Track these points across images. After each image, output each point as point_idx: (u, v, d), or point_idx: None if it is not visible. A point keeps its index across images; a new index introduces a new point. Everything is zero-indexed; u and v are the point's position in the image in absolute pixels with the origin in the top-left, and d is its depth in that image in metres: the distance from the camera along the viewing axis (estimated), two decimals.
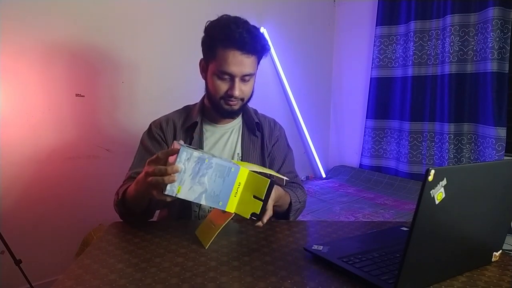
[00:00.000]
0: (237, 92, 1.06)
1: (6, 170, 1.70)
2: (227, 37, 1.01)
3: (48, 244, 1.85)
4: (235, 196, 0.83)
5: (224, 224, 0.82)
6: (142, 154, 1.13)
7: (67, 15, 1.81)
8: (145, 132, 1.19)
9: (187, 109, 1.22)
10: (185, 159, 0.76)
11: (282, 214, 1.12)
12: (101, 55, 1.94)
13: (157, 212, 1.22)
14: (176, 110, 1.23)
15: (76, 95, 1.87)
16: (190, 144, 1.13)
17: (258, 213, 0.82)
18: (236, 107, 1.11)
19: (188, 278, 0.69)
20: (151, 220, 1.08)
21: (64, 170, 1.86)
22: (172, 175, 0.76)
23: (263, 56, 1.12)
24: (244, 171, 0.83)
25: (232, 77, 1.05)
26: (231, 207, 0.83)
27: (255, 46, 1.03)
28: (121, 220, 1.01)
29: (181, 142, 0.82)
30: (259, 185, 0.82)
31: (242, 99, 1.11)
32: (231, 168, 0.81)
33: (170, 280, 0.69)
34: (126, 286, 0.66)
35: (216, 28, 1.05)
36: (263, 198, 0.81)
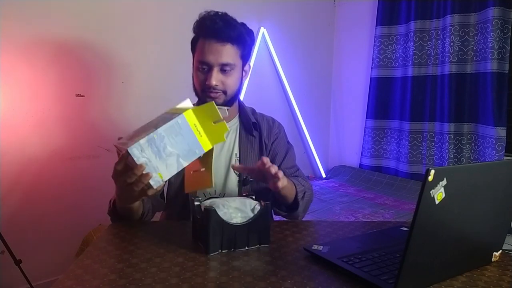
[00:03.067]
0: (213, 81, 1.04)
1: (6, 170, 1.70)
2: (202, 27, 1.05)
3: (48, 244, 1.85)
4: (201, 136, 0.84)
5: (212, 157, 0.89)
6: None
7: (67, 15, 1.81)
8: None
9: None
10: (140, 152, 0.77)
11: (293, 204, 1.09)
12: (101, 55, 1.94)
13: (157, 213, 1.22)
14: None
15: (76, 95, 1.87)
16: None
17: (227, 130, 0.86)
18: (219, 100, 1.08)
19: (188, 278, 0.69)
20: (151, 220, 1.09)
21: (64, 170, 1.86)
22: (144, 173, 0.77)
23: (246, 47, 1.10)
24: (188, 113, 0.83)
25: (210, 67, 1.05)
26: (207, 145, 0.85)
27: (229, 33, 1.03)
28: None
29: (124, 140, 0.82)
30: (209, 111, 0.84)
31: (224, 92, 1.08)
32: (177, 122, 0.81)
33: (170, 280, 0.69)
34: (126, 286, 0.66)
35: (196, 22, 1.08)
36: (220, 118, 0.84)
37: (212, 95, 1.07)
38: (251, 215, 0.84)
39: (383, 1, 2.71)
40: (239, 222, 0.82)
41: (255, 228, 0.83)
